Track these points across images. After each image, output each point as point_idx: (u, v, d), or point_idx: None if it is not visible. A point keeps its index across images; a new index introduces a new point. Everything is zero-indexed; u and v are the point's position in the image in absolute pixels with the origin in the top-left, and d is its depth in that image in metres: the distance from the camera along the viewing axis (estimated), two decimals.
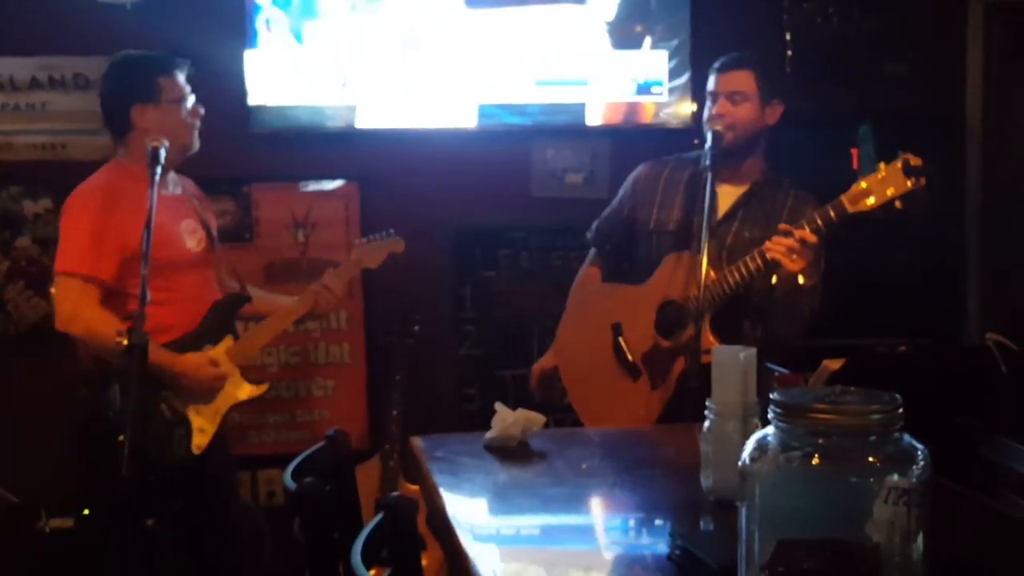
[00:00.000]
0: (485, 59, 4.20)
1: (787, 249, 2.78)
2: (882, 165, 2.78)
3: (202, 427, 3.03)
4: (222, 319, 3.09)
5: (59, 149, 4.12)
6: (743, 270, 2.91)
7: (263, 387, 3.17)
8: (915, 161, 2.73)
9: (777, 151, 3.52)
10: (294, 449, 3.68)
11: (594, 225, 3.39)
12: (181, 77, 3.09)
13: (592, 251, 3.42)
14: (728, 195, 3.11)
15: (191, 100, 3.10)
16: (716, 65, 3.17)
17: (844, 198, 2.82)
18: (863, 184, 2.79)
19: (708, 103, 3.12)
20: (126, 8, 4.12)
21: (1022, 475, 1.90)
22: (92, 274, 2.95)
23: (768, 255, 2.83)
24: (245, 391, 3.11)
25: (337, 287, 3.29)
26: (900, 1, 4.39)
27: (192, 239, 3.10)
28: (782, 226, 2.83)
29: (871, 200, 2.77)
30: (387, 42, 4.16)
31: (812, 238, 2.79)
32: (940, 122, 4.46)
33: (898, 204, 2.75)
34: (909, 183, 2.73)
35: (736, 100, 3.07)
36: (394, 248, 3.44)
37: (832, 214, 2.83)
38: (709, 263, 2.93)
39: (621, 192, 3.33)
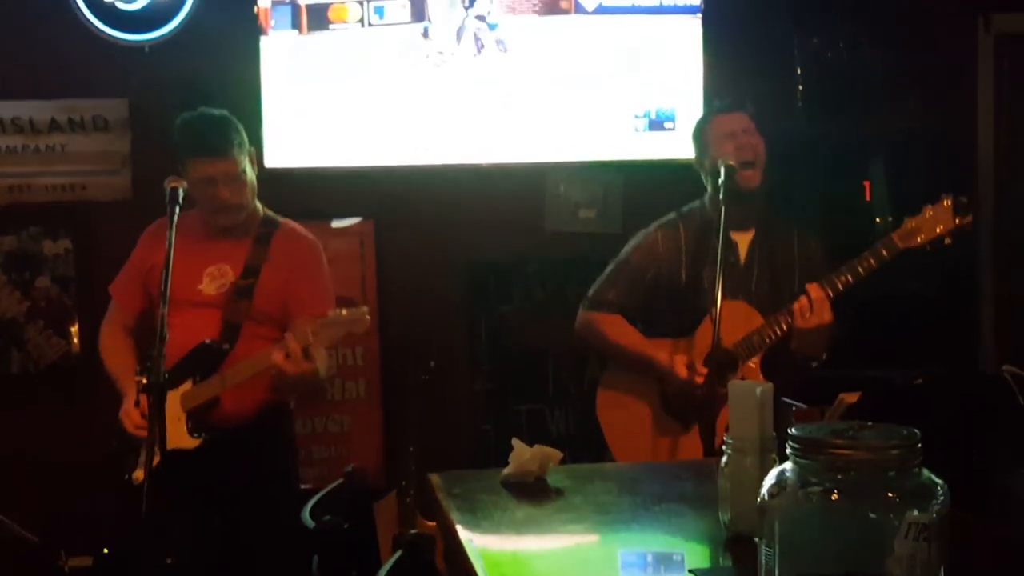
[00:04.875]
0: (497, 96, 4.24)
1: (812, 308, 2.97)
2: (927, 207, 2.94)
3: (143, 462, 2.98)
4: (199, 363, 3.01)
5: (78, 190, 4.17)
6: (782, 323, 3.02)
7: (195, 442, 2.96)
8: (963, 201, 2.91)
9: (790, 184, 3.54)
10: (310, 486, 3.70)
11: (604, 296, 3.30)
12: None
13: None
14: (741, 242, 3.18)
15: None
16: (714, 108, 3.27)
17: (895, 235, 2.96)
18: (912, 223, 2.95)
19: (717, 143, 3.14)
20: (144, 51, 4.18)
21: None
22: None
23: (796, 316, 2.97)
24: (178, 441, 2.89)
25: (295, 350, 2.86)
26: (910, 33, 4.41)
27: (213, 283, 3.08)
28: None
29: (921, 237, 2.93)
30: (401, 80, 4.21)
31: (818, 295, 2.95)
32: (951, 153, 4.47)
33: (947, 240, 2.92)
34: (957, 220, 2.91)
35: (752, 134, 3.13)
36: (354, 328, 2.91)
37: (884, 253, 2.96)
38: (757, 308, 3.08)
39: (636, 260, 3.28)
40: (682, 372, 3.06)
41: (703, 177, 3.24)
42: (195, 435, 2.93)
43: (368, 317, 2.88)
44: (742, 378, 3.05)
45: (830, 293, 2.96)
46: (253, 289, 3.08)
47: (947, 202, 2.91)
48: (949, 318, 4.45)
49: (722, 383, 2.99)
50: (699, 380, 3.03)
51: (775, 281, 3.15)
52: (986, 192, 4.52)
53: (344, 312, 2.86)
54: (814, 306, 2.94)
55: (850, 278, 2.96)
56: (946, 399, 2.19)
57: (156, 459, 2.93)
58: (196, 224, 3.12)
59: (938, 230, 2.91)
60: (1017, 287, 4.50)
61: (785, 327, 3.01)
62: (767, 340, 3.04)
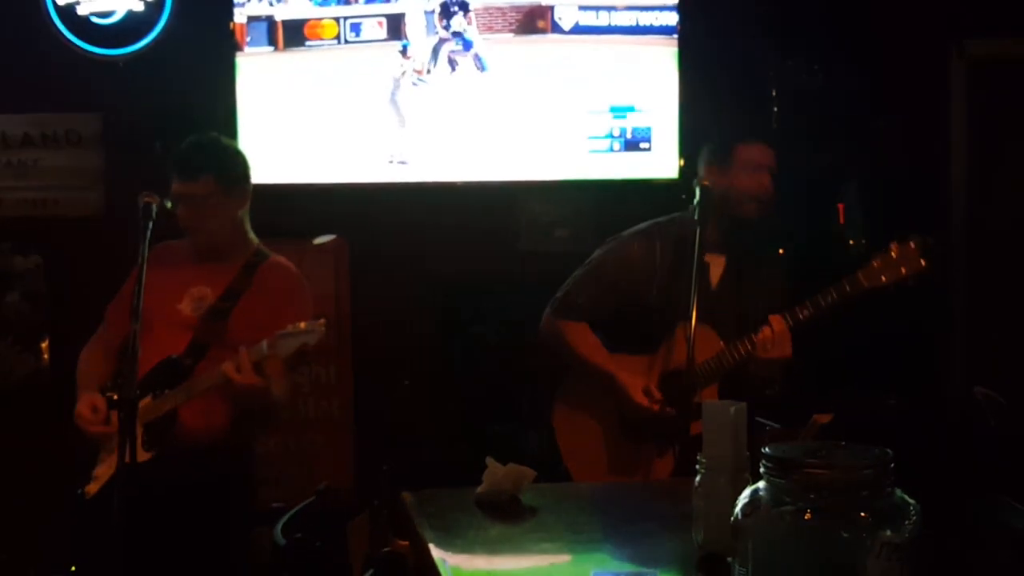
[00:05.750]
0: (473, 115, 4.25)
1: (773, 341, 2.98)
2: (894, 245, 2.94)
3: (98, 475, 2.99)
4: (161, 377, 2.98)
5: (50, 205, 4.15)
6: (742, 349, 3.02)
7: (146, 455, 2.87)
8: (928, 242, 2.91)
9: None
10: (282, 504, 3.67)
11: (574, 301, 3.26)
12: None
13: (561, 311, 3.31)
14: (714, 264, 3.18)
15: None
16: (749, 135, 3.24)
17: (860, 274, 2.95)
18: (877, 263, 2.95)
19: (742, 169, 3.13)
20: (118, 66, 4.16)
21: (1011, 529, 1.91)
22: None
23: (757, 347, 2.98)
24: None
25: (245, 363, 2.85)
26: (884, 58, 4.45)
27: (191, 305, 3.07)
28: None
29: (885, 277, 2.93)
30: (375, 99, 4.21)
31: (781, 328, 2.97)
32: (925, 177, 4.51)
33: (910, 281, 2.92)
34: (922, 262, 2.91)
35: (773, 176, 3.16)
36: (309, 339, 2.87)
37: (848, 288, 2.96)
38: (719, 333, 3.06)
39: (610, 268, 3.25)
40: (639, 398, 3.07)
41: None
42: (148, 448, 2.90)
43: (324, 330, 2.87)
44: (700, 402, 3.04)
45: (791, 324, 2.98)
46: (229, 313, 3.06)
47: (913, 244, 2.93)
48: (921, 348, 4.48)
49: (678, 407, 3.01)
50: (655, 408, 3.05)
51: (740, 308, 3.15)
52: (959, 216, 4.56)
53: (302, 325, 2.86)
54: (776, 339, 2.96)
55: (812, 311, 2.98)
56: (917, 421, 2.21)
57: (111, 472, 2.92)
58: (186, 249, 3.13)
59: (902, 271, 2.92)
60: (990, 311, 4.53)
61: (744, 353, 3.03)
62: (725, 366, 3.05)
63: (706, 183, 3.06)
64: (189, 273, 3.10)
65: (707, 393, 3.05)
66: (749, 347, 3.00)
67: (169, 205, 2.93)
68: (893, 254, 2.93)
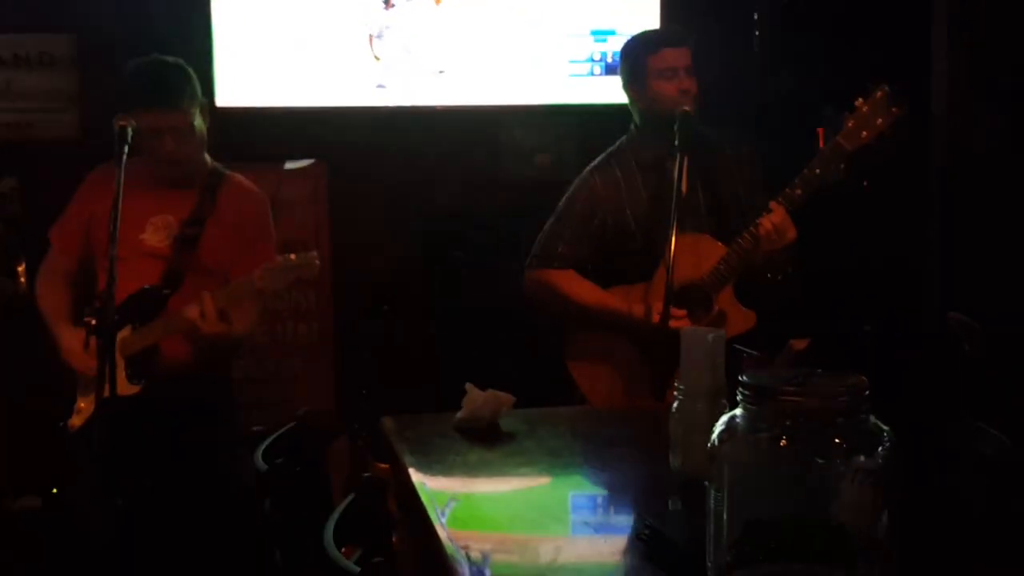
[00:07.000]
0: (453, 38, 4.20)
1: (776, 229, 2.93)
2: (860, 100, 2.92)
3: (81, 408, 2.99)
4: (139, 308, 2.96)
5: (25, 128, 4.09)
6: (746, 245, 2.98)
7: (134, 388, 2.93)
8: (895, 87, 2.92)
9: (744, 131, 3.54)
10: (262, 428, 3.68)
11: (553, 250, 3.18)
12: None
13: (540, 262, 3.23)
14: (676, 170, 3.11)
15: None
16: (663, 39, 3.19)
17: (839, 138, 2.93)
18: (851, 122, 2.92)
19: (656, 77, 3.09)
20: None
21: (985, 455, 1.94)
22: None
23: (762, 241, 2.94)
24: (118, 388, 2.70)
25: (209, 311, 2.83)
26: None
27: (156, 234, 3.01)
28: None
29: (865, 133, 2.91)
30: (353, 21, 4.15)
31: (781, 215, 2.93)
32: (907, 100, 4.47)
33: (888, 132, 2.91)
34: (895, 109, 2.91)
35: (691, 73, 3.10)
36: (302, 273, 2.87)
37: (832, 156, 2.94)
38: (715, 236, 3.04)
39: (579, 208, 3.18)
40: (641, 313, 3.00)
41: (631, 103, 3.20)
42: (134, 381, 2.90)
43: (318, 262, 2.85)
44: (719, 310, 3.04)
45: (788, 207, 2.94)
46: (198, 240, 3.02)
47: (880, 93, 2.91)
48: (899, 271, 4.49)
49: (695, 319, 3.00)
50: (656, 319, 2.93)
51: (718, 201, 3.11)
52: (941, 139, 4.54)
53: (293, 257, 2.84)
54: (779, 227, 2.92)
55: (804, 188, 2.94)
56: (893, 347, 2.23)
57: (94, 404, 2.91)
58: (141, 173, 2.99)
59: (878, 123, 2.90)
60: (969, 238, 4.54)
61: (749, 248, 2.98)
62: (733, 267, 3.00)
63: (686, 109, 3.03)
64: (146, 199, 2.99)
65: (723, 296, 3.04)
66: (752, 242, 2.97)
67: (130, 133, 2.75)
68: (864, 109, 2.91)
